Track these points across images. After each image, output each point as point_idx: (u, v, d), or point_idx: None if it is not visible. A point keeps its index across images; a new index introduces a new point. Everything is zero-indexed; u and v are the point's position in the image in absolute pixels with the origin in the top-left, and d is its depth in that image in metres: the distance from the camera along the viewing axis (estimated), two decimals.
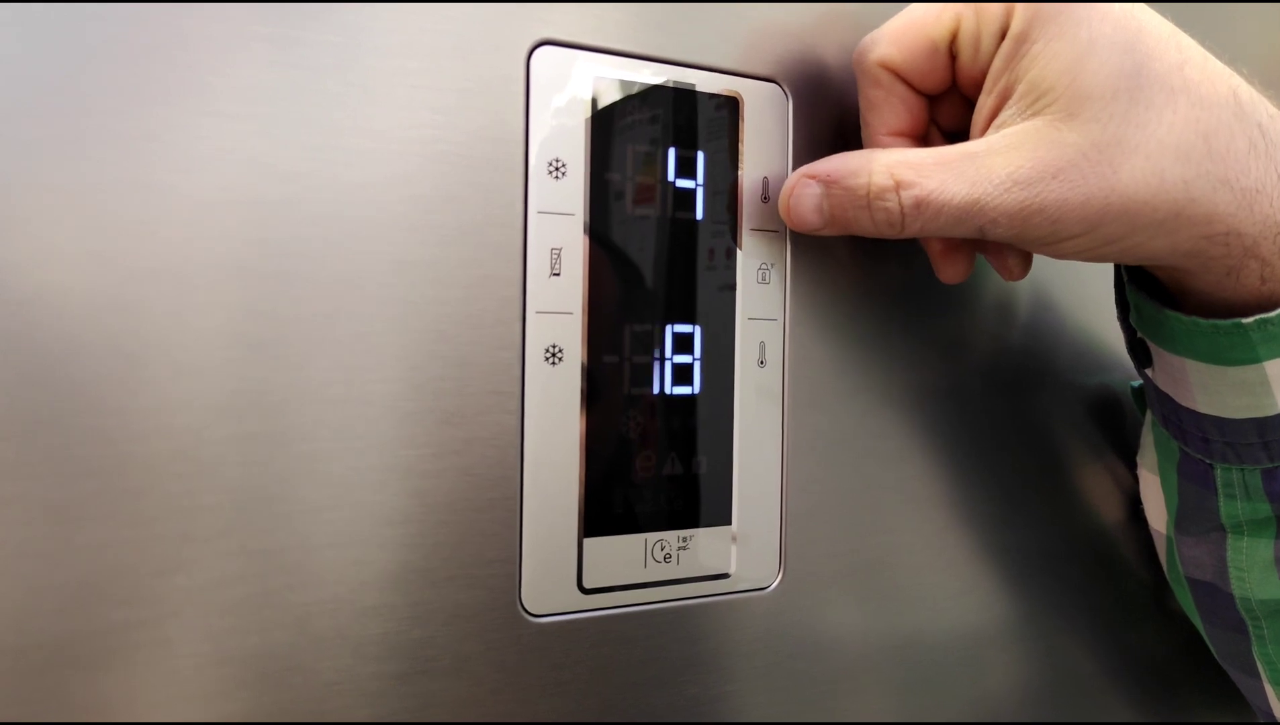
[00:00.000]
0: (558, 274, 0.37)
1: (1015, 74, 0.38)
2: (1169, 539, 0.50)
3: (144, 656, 0.31)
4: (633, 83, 0.39)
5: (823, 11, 0.43)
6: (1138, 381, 0.52)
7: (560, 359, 0.38)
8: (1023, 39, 0.37)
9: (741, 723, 0.42)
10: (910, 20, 0.40)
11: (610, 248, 0.39)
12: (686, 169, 0.40)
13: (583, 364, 0.38)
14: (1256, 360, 0.40)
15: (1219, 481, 0.44)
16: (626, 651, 0.39)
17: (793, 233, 0.43)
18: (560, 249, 0.37)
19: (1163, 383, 0.45)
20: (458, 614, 0.36)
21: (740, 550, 0.42)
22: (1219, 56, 0.38)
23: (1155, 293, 0.44)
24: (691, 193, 0.40)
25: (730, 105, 0.41)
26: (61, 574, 0.30)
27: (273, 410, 0.33)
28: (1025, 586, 0.50)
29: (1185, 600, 0.51)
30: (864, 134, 0.42)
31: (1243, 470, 0.43)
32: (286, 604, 0.33)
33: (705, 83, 0.40)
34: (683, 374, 0.40)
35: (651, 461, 0.40)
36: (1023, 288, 0.50)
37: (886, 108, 0.41)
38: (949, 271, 0.43)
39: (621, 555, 0.39)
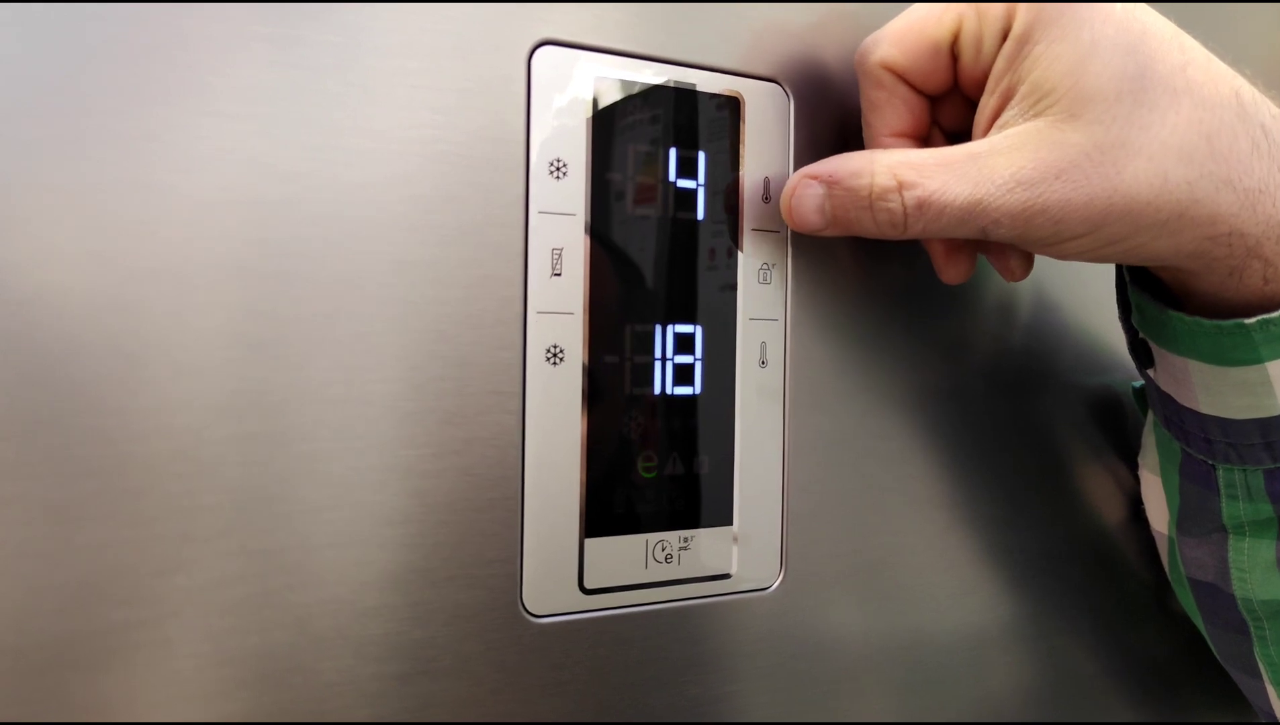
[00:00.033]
0: (559, 274, 0.37)
1: (1018, 75, 0.38)
2: (1171, 540, 0.50)
3: (144, 657, 0.31)
4: (634, 83, 0.39)
5: (824, 11, 0.43)
6: (1139, 382, 0.52)
7: (561, 359, 0.38)
8: (1025, 40, 0.37)
9: (743, 723, 0.42)
10: (912, 21, 0.40)
11: (611, 248, 0.39)
12: (688, 169, 0.40)
13: (584, 364, 0.38)
14: (1259, 361, 0.40)
15: (1221, 482, 0.44)
16: (627, 652, 0.39)
17: (794, 233, 0.43)
18: (561, 249, 0.37)
19: (1165, 383, 0.45)
20: (458, 614, 0.36)
21: (741, 551, 0.42)
22: (1221, 57, 0.38)
23: (1157, 293, 0.43)
24: (693, 193, 0.40)
25: (731, 105, 0.41)
26: (61, 574, 0.30)
27: (273, 410, 0.33)
28: (1027, 587, 0.50)
29: (1187, 601, 0.51)
30: (866, 135, 0.42)
31: (1245, 471, 0.43)
32: (287, 604, 0.33)
33: (706, 83, 0.40)
34: (684, 374, 0.40)
35: (653, 462, 0.40)
36: (1024, 288, 0.50)
37: (888, 109, 0.41)
38: (951, 272, 0.43)
39: (623, 555, 0.39)
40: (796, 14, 0.42)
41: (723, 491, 0.41)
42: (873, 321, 0.45)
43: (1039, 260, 0.44)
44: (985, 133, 0.39)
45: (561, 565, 0.38)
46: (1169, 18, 0.38)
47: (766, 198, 0.42)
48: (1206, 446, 0.44)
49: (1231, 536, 0.45)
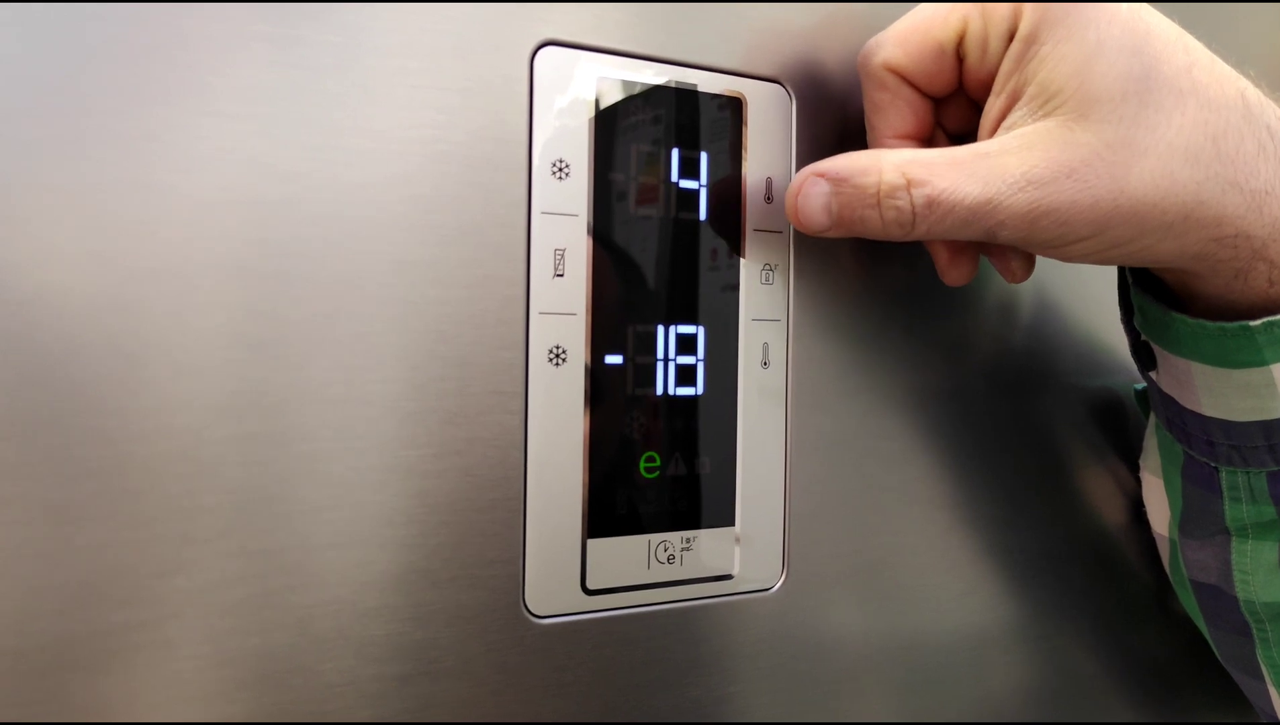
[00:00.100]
0: (561, 275, 0.37)
1: (1025, 75, 0.37)
2: (1172, 542, 0.50)
3: (144, 658, 0.31)
4: (636, 83, 0.39)
5: (826, 12, 0.43)
6: (1141, 384, 0.52)
7: (564, 360, 0.37)
8: (1031, 40, 0.37)
9: (744, 724, 0.42)
10: (916, 23, 0.40)
11: (614, 248, 0.39)
12: (690, 169, 0.40)
13: (586, 365, 0.38)
14: (1263, 363, 0.39)
15: (1224, 485, 0.44)
16: (629, 653, 0.39)
17: (796, 233, 0.42)
18: (564, 250, 0.37)
19: (1167, 386, 0.44)
20: (460, 615, 0.36)
21: (743, 551, 0.42)
22: (1224, 58, 0.38)
23: (1160, 295, 0.43)
24: (695, 193, 0.40)
25: (733, 106, 0.41)
26: (61, 575, 0.30)
27: (273, 410, 0.32)
28: (1028, 588, 0.50)
29: (1189, 602, 0.51)
30: (869, 136, 0.42)
31: (1248, 473, 0.43)
32: (287, 605, 0.33)
33: (708, 83, 0.40)
34: (686, 375, 0.40)
35: (655, 462, 0.40)
36: (1026, 290, 0.50)
37: (892, 110, 0.41)
38: (954, 274, 0.43)
39: (625, 556, 0.39)
40: (799, 14, 0.42)
41: (725, 492, 0.41)
42: (875, 322, 0.45)
43: (1042, 261, 0.44)
44: (992, 133, 0.39)
45: (564, 566, 0.38)
46: (1171, 18, 0.38)
47: (769, 198, 0.42)
48: (1209, 449, 0.44)
49: (1234, 539, 0.45)
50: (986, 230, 0.37)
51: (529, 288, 0.37)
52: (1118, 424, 0.53)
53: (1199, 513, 0.46)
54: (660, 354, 0.40)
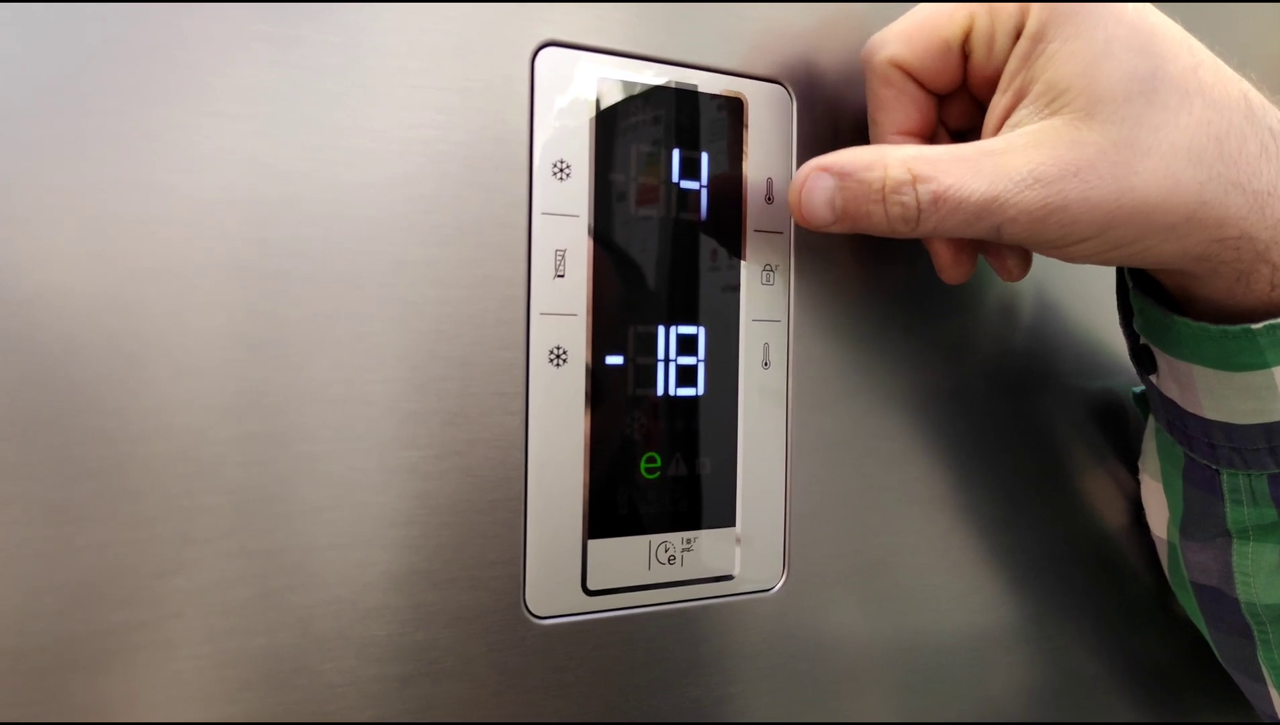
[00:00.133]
0: (562, 276, 0.37)
1: (1031, 73, 0.37)
2: (1172, 545, 0.50)
3: (145, 658, 0.31)
4: (636, 83, 0.39)
5: (827, 12, 0.43)
6: (1139, 387, 0.52)
7: (565, 361, 0.37)
8: (1039, 38, 0.37)
9: (745, 724, 0.42)
10: (922, 19, 0.40)
11: (614, 249, 0.39)
12: (690, 170, 0.40)
13: (587, 365, 0.38)
14: (1265, 366, 0.39)
15: (1225, 487, 0.44)
16: (630, 653, 0.39)
17: (797, 234, 0.42)
18: (565, 251, 0.37)
19: (1167, 389, 0.44)
20: (461, 616, 0.36)
21: (744, 552, 0.42)
22: (1225, 59, 0.38)
23: (1159, 298, 0.43)
24: (695, 194, 0.40)
25: (734, 106, 0.41)
26: (62, 575, 0.30)
27: (273, 410, 0.32)
28: (1029, 588, 0.50)
29: (1189, 605, 0.51)
30: (872, 132, 0.42)
31: (1249, 476, 0.43)
32: (288, 605, 0.33)
33: (709, 83, 0.40)
34: (687, 375, 0.40)
35: (656, 463, 0.40)
36: (1026, 290, 0.50)
37: (896, 107, 0.41)
38: (953, 272, 0.43)
39: (626, 557, 0.39)
40: (799, 14, 0.42)
41: (725, 493, 0.41)
42: (875, 323, 0.45)
43: (1043, 262, 0.44)
44: (996, 131, 0.39)
45: (564, 567, 0.38)
46: (1172, 19, 0.38)
47: (769, 198, 0.42)
48: (1210, 452, 0.44)
49: (1235, 541, 0.45)
50: (992, 227, 0.37)
51: (530, 288, 0.37)
52: (1119, 424, 0.53)
53: (1200, 515, 0.46)
54: (661, 354, 0.40)
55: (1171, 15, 0.38)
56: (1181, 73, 0.36)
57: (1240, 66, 0.38)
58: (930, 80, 0.40)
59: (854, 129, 0.43)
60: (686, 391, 0.40)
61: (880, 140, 0.41)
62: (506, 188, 0.36)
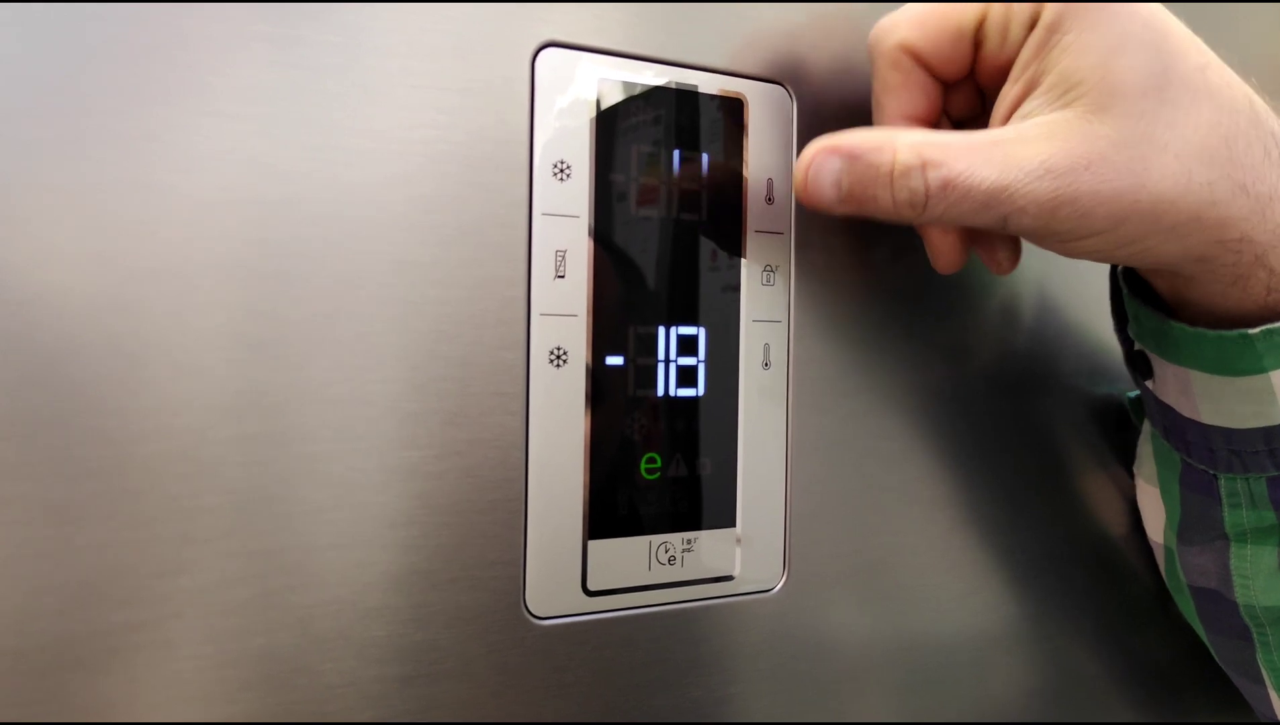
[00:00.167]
0: (562, 276, 0.37)
1: (1045, 64, 0.37)
2: (1169, 549, 0.50)
3: (145, 658, 0.31)
4: (637, 84, 0.39)
5: (827, 12, 0.43)
6: (1134, 392, 0.52)
7: (565, 361, 0.37)
8: (1054, 29, 0.37)
9: (745, 724, 0.42)
10: (935, 6, 0.39)
11: (614, 249, 0.38)
12: (691, 170, 0.40)
13: (587, 366, 0.38)
14: (1262, 371, 0.39)
15: (1223, 491, 0.44)
16: (630, 654, 0.39)
17: (797, 234, 0.42)
18: (565, 251, 0.37)
19: (1164, 395, 0.44)
20: (461, 616, 0.36)
21: (744, 552, 0.42)
22: (1226, 60, 0.38)
23: (1152, 302, 0.43)
24: (696, 194, 0.40)
25: (734, 106, 0.41)
26: (62, 575, 0.30)
27: (273, 411, 0.32)
28: (1030, 589, 0.50)
29: (1187, 609, 0.51)
30: (876, 116, 0.41)
31: (1247, 479, 0.43)
32: (288, 605, 0.33)
33: (709, 84, 0.40)
34: (687, 376, 0.40)
35: (656, 463, 0.40)
36: (1027, 291, 0.50)
37: (904, 91, 0.40)
38: (946, 261, 0.43)
39: (626, 557, 0.39)
40: (799, 15, 0.42)
41: (725, 493, 0.41)
42: (875, 323, 0.45)
43: (1045, 262, 0.44)
44: (1004, 121, 0.38)
45: (565, 567, 0.38)
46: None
47: (770, 199, 0.42)
48: (1209, 456, 0.44)
49: (1233, 544, 0.45)
50: (999, 217, 0.37)
51: (530, 289, 0.37)
52: (1119, 425, 0.53)
53: (1197, 519, 0.46)
54: (661, 355, 0.40)
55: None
56: (1192, 72, 0.36)
57: (1241, 67, 0.38)
58: (940, 67, 0.40)
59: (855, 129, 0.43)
60: (687, 392, 0.40)
61: (885, 124, 0.41)
62: (507, 188, 0.36)
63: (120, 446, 0.30)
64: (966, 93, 0.42)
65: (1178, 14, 0.38)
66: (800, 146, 0.42)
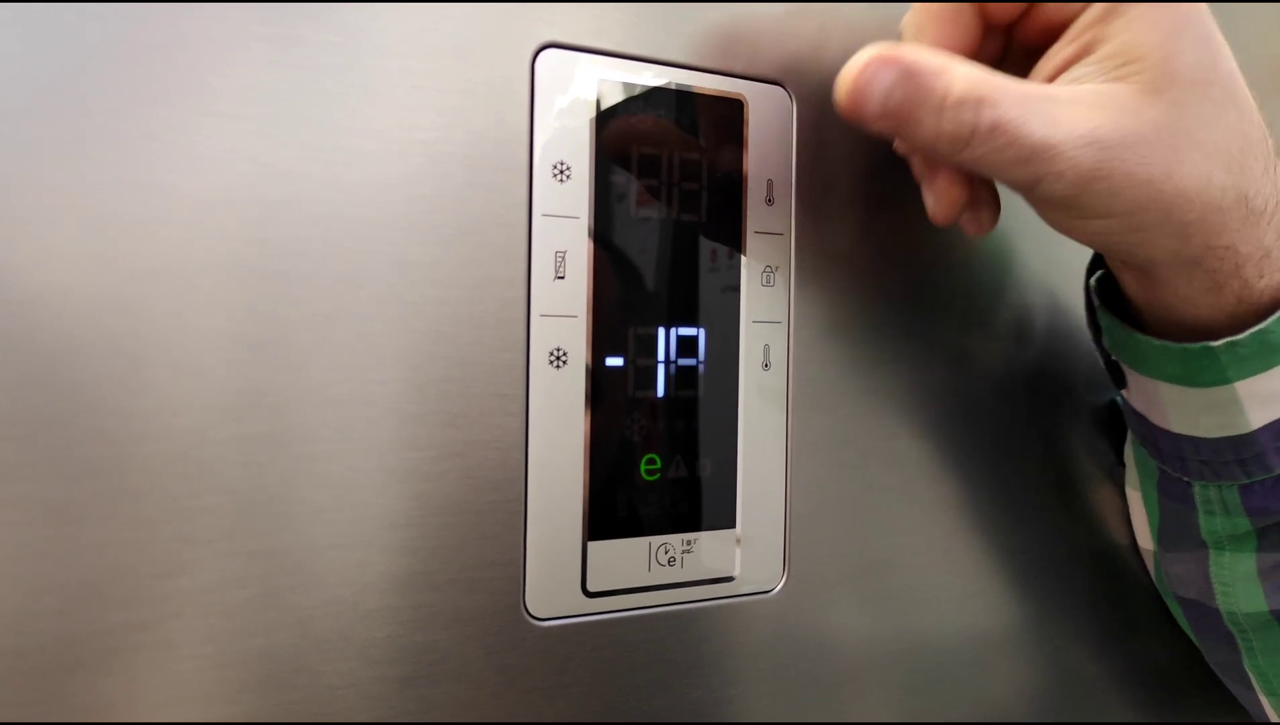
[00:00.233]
0: (562, 277, 0.37)
1: (1106, 31, 0.36)
2: (1155, 556, 0.50)
3: (145, 658, 0.31)
4: (637, 85, 0.39)
5: (827, 13, 0.43)
6: None
7: (565, 362, 0.37)
8: None
9: None
10: None
11: (614, 250, 0.38)
12: (691, 171, 0.40)
13: (587, 367, 0.38)
14: (1227, 381, 0.40)
15: (1198, 498, 0.44)
16: (630, 654, 0.39)
17: (797, 235, 0.42)
18: (565, 252, 0.37)
19: (1137, 403, 0.45)
20: (460, 617, 0.36)
21: (744, 553, 0.42)
22: None
23: (1121, 312, 0.43)
24: (696, 195, 0.40)
25: (734, 107, 0.41)
26: (62, 575, 0.30)
27: (274, 411, 0.32)
28: (1031, 590, 0.50)
29: (1178, 614, 0.51)
30: (908, 35, 0.40)
31: (1220, 487, 0.43)
32: (288, 606, 0.33)
33: (709, 84, 0.40)
34: (687, 377, 0.40)
35: (656, 464, 0.40)
36: (1027, 290, 0.50)
37: (949, 23, 0.39)
38: (945, 211, 0.41)
39: (626, 558, 0.39)
40: (800, 16, 0.42)
41: (725, 494, 0.41)
42: (876, 324, 0.45)
43: (1044, 261, 0.44)
44: (1049, 80, 0.37)
45: (564, 568, 0.38)
46: None
47: (770, 200, 0.42)
48: (1181, 464, 0.44)
49: (1212, 552, 0.45)
50: (1035, 176, 0.35)
51: (530, 289, 0.37)
52: (1119, 426, 0.53)
53: (1175, 526, 0.46)
54: (661, 356, 0.40)
55: None
56: (1227, 74, 0.36)
57: (1240, 67, 0.38)
58: (994, 9, 0.39)
59: (856, 131, 0.43)
60: (686, 393, 0.40)
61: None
62: (507, 189, 0.36)
63: (120, 446, 0.30)
64: (994, 42, 0.41)
65: None
66: (800, 147, 0.42)
